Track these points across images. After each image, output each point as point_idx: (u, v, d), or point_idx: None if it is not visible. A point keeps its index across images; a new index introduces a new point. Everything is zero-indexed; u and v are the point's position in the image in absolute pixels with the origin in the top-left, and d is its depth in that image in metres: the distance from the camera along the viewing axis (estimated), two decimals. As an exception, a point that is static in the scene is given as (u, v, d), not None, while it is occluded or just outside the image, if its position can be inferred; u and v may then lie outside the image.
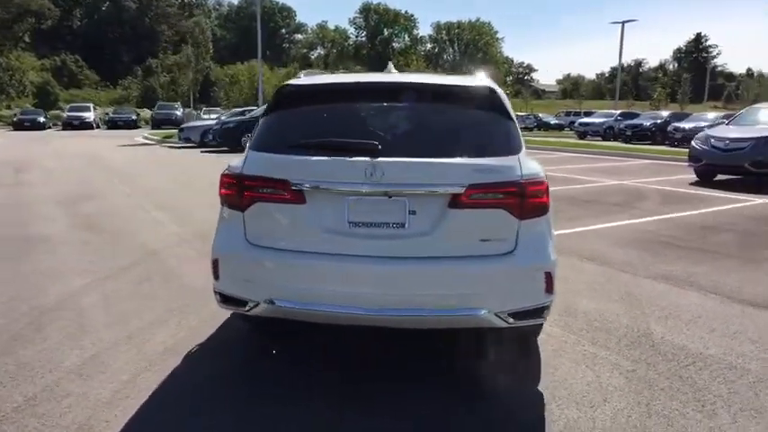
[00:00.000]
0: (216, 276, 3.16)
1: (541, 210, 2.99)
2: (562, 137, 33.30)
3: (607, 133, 29.46)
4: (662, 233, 7.15)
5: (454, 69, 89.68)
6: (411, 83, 3.27)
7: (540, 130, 43.21)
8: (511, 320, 2.92)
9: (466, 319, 2.93)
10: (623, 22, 34.43)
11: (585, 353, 3.61)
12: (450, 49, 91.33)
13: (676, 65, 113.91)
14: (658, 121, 27.28)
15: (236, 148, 18.83)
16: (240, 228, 3.07)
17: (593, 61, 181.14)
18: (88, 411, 2.89)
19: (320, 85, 3.47)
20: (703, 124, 23.49)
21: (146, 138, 26.87)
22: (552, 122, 45.57)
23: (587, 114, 37.28)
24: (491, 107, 3.16)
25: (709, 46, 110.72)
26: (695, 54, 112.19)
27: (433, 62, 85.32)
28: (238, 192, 3.05)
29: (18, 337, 3.77)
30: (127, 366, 3.37)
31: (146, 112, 44.45)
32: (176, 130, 25.45)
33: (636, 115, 30.78)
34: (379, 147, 2.88)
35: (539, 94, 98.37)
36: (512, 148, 3.04)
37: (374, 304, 2.89)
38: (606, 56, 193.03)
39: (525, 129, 43.15)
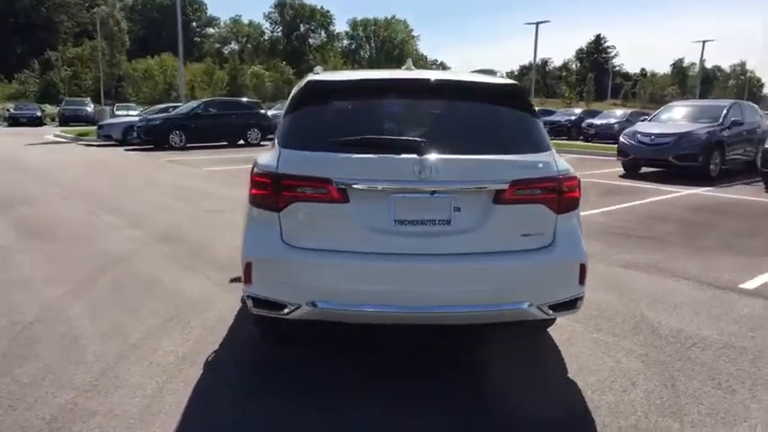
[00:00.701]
0: (247, 280, 3.03)
1: (574, 204, 3.10)
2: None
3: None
4: (611, 224, 7.57)
5: (371, 66, 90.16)
6: (442, 80, 3.28)
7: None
8: (550, 312, 3.01)
9: (510, 312, 2.99)
10: (537, 23, 36.01)
11: (596, 340, 3.77)
12: (367, 46, 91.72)
13: (579, 64, 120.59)
14: (573, 118, 28.82)
15: (164, 146, 18.03)
16: (275, 229, 2.96)
17: (503, 60, 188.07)
18: (123, 431, 2.69)
19: (349, 81, 3.41)
20: (613, 121, 25.21)
21: (57, 136, 24.99)
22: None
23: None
24: (521, 105, 3.24)
25: (608, 47, 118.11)
26: (595, 54, 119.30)
27: (350, 59, 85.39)
28: (274, 192, 2.94)
29: (9, 354, 3.45)
30: (145, 380, 3.17)
31: (49, 108, 41.38)
32: (89, 128, 23.91)
33: (552, 112, 32.29)
34: (424, 144, 2.87)
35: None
36: (544, 145, 3.13)
37: (422, 302, 2.89)
38: (515, 55, 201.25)
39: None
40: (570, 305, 3.07)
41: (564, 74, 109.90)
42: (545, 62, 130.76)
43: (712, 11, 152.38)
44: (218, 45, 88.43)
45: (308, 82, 3.26)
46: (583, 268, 3.07)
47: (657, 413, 2.89)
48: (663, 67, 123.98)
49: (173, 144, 18.08)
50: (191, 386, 3.11)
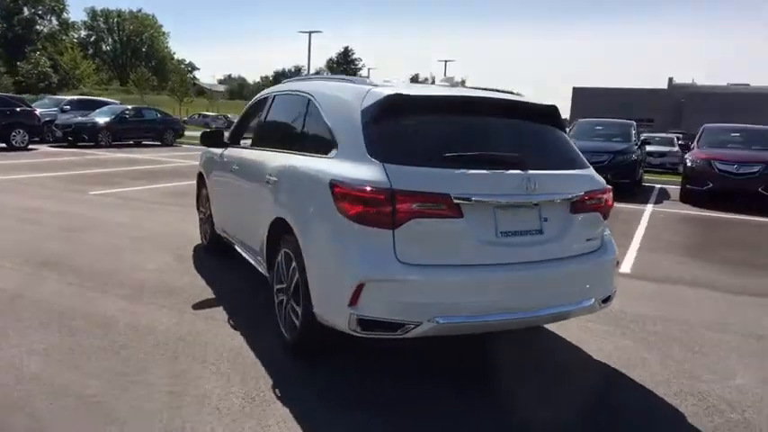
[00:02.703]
0: (354, 302, 2.89)
1: (610, 211, 3.62)
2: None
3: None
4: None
5: (115, 61, 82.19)
6: (512, 100, 3.54)
7: (230, 130, 43.21)
8: (603, 306, 3.50)
9: (582, 309, 3.38)
10: (310, 32, 37.16)
11: (583, 327, 4.36)
12: (110, 39, 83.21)
13: (329, 73, 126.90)
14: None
15: None
16: (389, 246, 2.89)
17: (262, 64, 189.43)
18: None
19: (434, 97, 3.43)
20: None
21: None
22: (241, 123, 46.08)
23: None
24: (561, 125, 3.66)
25: (356, 59, 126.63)
26: (344, 65, 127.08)
27: (90, 51, 76.60)
28: (389, 209, 2.86)
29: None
30: (231, 427, 2.78)
31: None
32: None
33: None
34: (525, 159, 3.11)
35: (204, 92, 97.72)
36: (586, 162, 3.60)
37: (529, 307, 3.13)
38: (268, 60, 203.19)
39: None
40: (610, 298, 3.58)
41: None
42: (298, 69, 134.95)
43: (448, 32, 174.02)
44: None
45: (393, 95, 3.20)
46: (617, 265, 3.62)
47: (683, 377, 3.57)
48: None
49: None
50: (292, 423, 2.83)
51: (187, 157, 18.20)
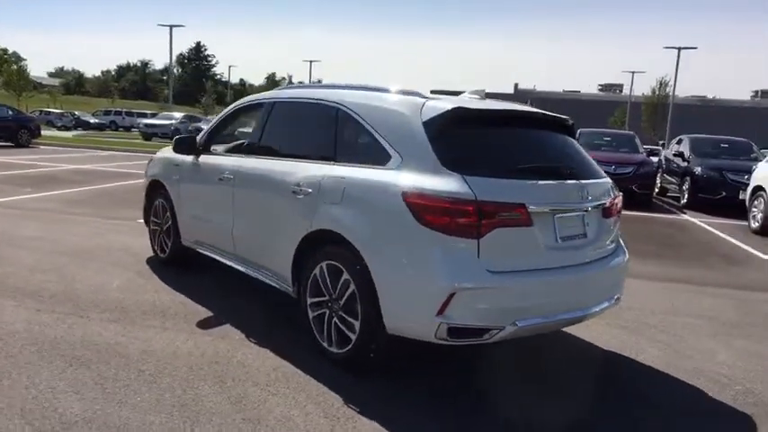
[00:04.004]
0: (442, 311, 2.96)
1: (620, 215, 4.02)
2: (126, 138, 31.88)
3: (175, 134, 29.87)
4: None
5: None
6: (550, 115, 3.77)
7: (81, 129, 39.50)
8: (619, 302, 3.88)
9: (611, 305, 3.72)
10: (171, 26, 35.13)
11: (573, 320, 4.77)
12: None
13: (180, 69, 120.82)
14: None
15: None
16: (473, 255, 3.01)
17: (93, 57, 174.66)
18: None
19: (492, 111, 3.53)
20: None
21: None
22: (92, 122, 42.35)
23: (141, 116, 36.80)
24: (576, 137, 3.98)
25: (209, 55, 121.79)
26: (196, 61, 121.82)
27: None
28: (476, 219, 2.97)
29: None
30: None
31: None
32: None
33: (199, 119, 32.31)
34: (575, 170, 3.39)
35: (36, 86, 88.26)
36: (601, 170, 3.95)
37: (586, 304, 3.44)
38: (108, 53, 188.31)
39: (65, 128, 39.00)
40: (622, 295, 3.97)
41: (164, 77, 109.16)
42: (145, 64, 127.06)
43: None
44: None
45: (457, 108, 3.29)
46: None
47: (681, 359, 4.07)
48: (259, 80, 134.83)
49: None
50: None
51: (54, 159, 16.51)
